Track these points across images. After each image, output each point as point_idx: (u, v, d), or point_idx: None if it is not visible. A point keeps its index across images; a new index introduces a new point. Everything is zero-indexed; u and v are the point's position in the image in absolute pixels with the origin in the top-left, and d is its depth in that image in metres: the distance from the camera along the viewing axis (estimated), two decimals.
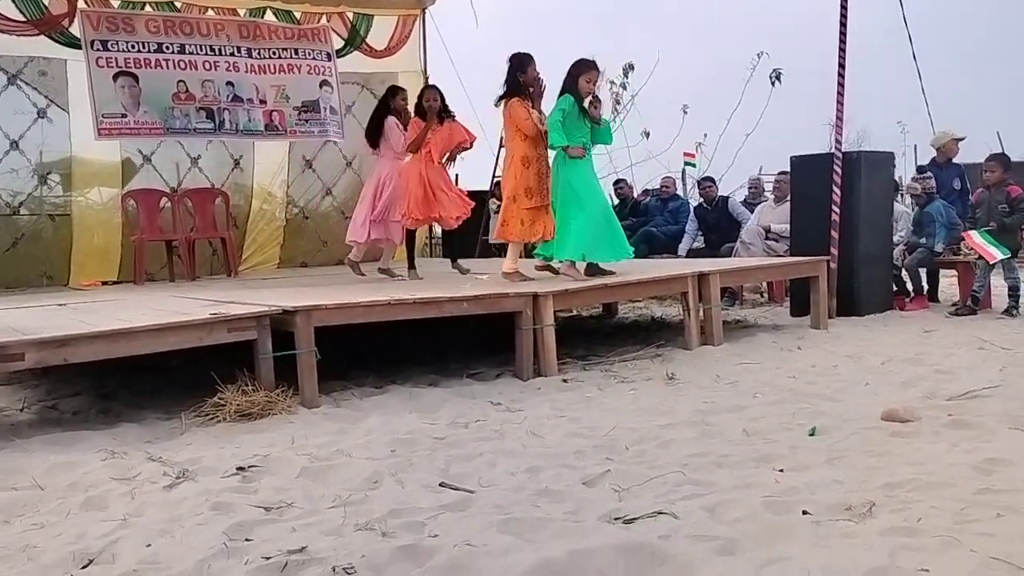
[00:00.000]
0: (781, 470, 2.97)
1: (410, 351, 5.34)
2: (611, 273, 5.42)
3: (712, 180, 9.09)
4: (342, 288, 5.56)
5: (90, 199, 8.26)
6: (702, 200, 8.88)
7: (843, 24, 6.64)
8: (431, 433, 3.59)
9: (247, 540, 2.43)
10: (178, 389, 4.43)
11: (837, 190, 6.43)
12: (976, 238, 6.29)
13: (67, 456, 3.29)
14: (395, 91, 6.73)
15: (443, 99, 6.33)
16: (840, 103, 6.63)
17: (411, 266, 6.37)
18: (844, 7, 6.63)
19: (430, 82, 9.74)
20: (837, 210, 6.43)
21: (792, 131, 15.65)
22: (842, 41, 6.62)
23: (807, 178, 6.73)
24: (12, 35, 7.74)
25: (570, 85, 5.38)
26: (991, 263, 6.24)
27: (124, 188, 8.31)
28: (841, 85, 6.65)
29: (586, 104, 5.39)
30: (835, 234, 6.43)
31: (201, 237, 8.38)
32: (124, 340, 3.67)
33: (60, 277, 8.03)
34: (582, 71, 5.39)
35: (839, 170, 6.45)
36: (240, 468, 3.09)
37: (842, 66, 6.62)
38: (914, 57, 7.89)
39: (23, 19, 7.78)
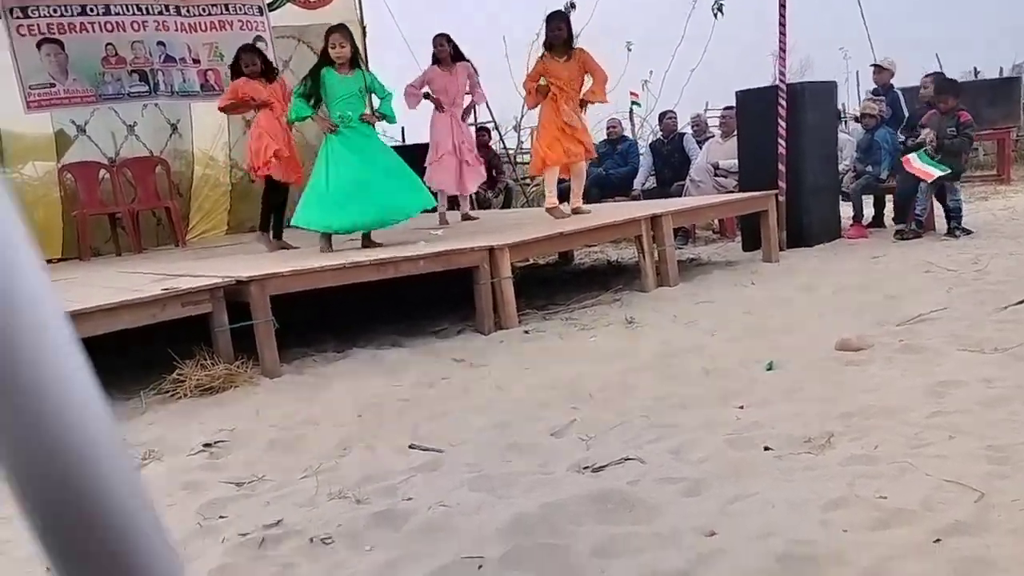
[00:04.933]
0: (741, 407, 3.06)
1: (372, 312, 5.31)
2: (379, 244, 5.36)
3: (674, 113, 9.08)
4: (295, 255, 5.49)
5: (25, 175, 7.96)
6: (660, 134, 8.90)
7: None
8: (397, 395, 3.61)
9: (221, 518, 2.43)
10: (135, 368, 4.35)
11: (782, 123, 6.49)
12: (915, 162, 6.41)
13: None
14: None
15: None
16: (782, 34, 6.64)
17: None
18: None
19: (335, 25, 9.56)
20: (783, 143, 6.49)
21: (737, 65, 15.68)
22: None
23: (752, 112, 6.77)
24: None
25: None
26: (930, 182, 6.37)
27: (60, 161, 8.04)
28: (783, 15, 6.65)
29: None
30: (782, 167, 6.50)
31: (144, 208, 8.16)
32: (78, 322, 3.56)
33: None
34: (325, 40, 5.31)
35: (784, 103, 6.49)
36: (207, 445, 3.08)
37: None
38: None
39: None
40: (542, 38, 6.45)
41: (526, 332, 4.67)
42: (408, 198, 5.30)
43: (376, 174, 5.24)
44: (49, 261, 7.67)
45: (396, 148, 10.67)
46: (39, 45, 7.75)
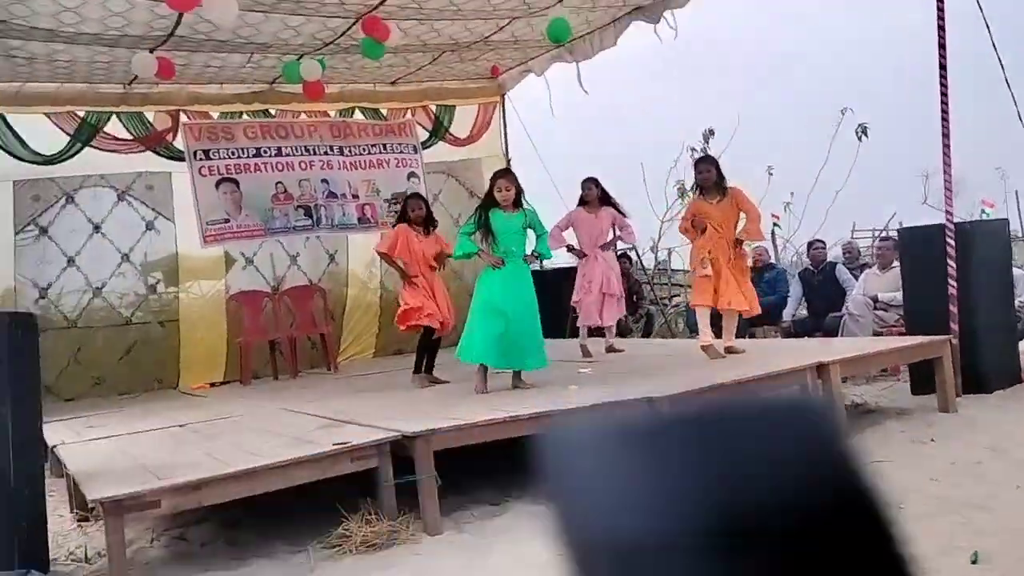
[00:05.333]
0: None
1: (523, 454, 5.25)
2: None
3: (822, 243, 8.86)
4: (449, 395, 5.57)
5: (192, 294, 8.54)
6: (809, 264, 8.67)
7: (943, 77, 6.32)
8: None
9: None
10: (300, 511, 4.44)
11: (952, 263, 6.15)
12: None
13: None
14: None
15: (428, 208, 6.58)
16: (947, 173, 6.38)
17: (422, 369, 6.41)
18: (943, 52, 6.31)
19: (509, 167, 9.94)
20: (954, 283, 6.14)
21: (883, 184, 15.25)
22: (943, 95, 6.31)
23: (917, 251, 6.46)
24: (120, 153, 8.18)
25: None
26: None
27: (224, 280, 8.60)
28: (947, 150, 6.39)
29: None
30: (954, 309, 6.13)
31: (302, 334, 8.56)
32: (254, 479, 3.72)
33: (170, 380, 8.30)
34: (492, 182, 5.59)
35: (952, 242, 6.17)
36: None
37: (945, 121, 6.32)
38: (1007, 83, 7.32)
39: (130, 137, 8.22)
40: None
41: None
42: (534, 356, 5.49)
43: (524, 320, 5.42)
44: (212, 384, 8.12)
45: (534, 272, 10.88)
46: (218, 184, 8.45)
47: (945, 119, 6.28)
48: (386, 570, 3.59)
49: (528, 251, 5.68)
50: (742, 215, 6.25)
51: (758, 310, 6.45)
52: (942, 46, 6.32)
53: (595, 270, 7.12)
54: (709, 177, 6.19)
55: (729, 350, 6.22)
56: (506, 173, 5.72)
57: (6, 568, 3.29)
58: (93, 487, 3.67)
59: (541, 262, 6.79)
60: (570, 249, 7.18)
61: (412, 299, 6.27)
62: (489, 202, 5.56)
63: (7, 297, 7.50)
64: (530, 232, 5.70)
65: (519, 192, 5.57)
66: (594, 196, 7.10)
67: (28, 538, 3.60)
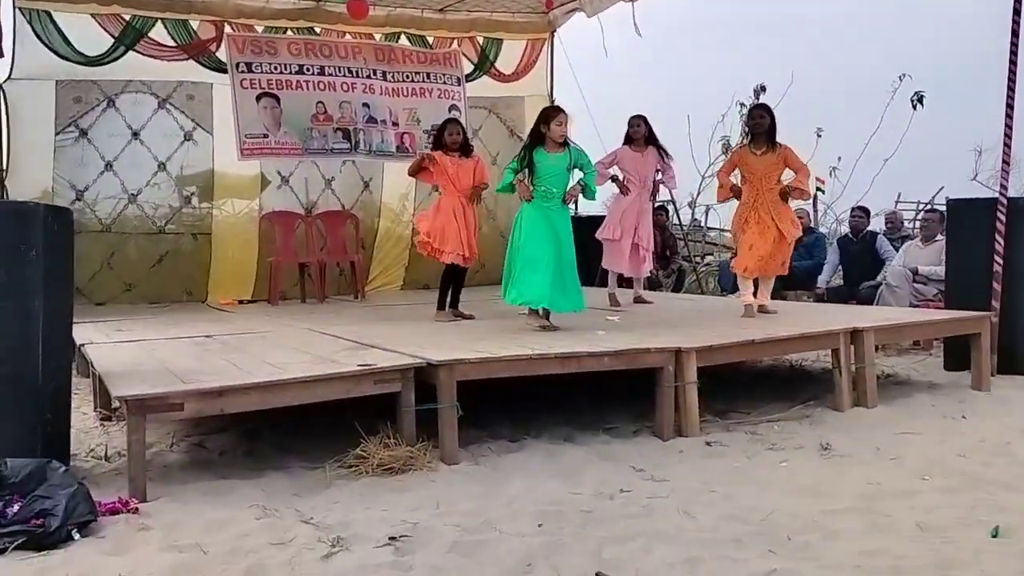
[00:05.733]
0: None
1: (544, 396, 5.24)
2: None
3: (865, 211, 8.63)
4: (475, 330, 5.55)
5: (225, 211, 8.54)
6: (848, 232, 8.48)
7: (1015, 44, 6.04)
8: (577, 504, 3.48)
9: None
10: (319, 430, 4.47)
11: (1000, 239, 5.97)
12: None
13: (222, 511, 3.35)
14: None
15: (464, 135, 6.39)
16: (1007, 145, 6.14)
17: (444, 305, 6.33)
18: (1016, 18, 6.02)
19: (554, 105, 9.73)
20: (1000, 260, 5.96)
21: (932, 157, 14.81)
22: (1012, 63, 6.05)
23: (965, 224, 6.27)
24: (163, 60, 8.12)
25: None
26: None
27: (259, 200, 8.59)
28: (1009, 123, 6.16)
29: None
30: (997, 286, 5.97)
31: (332, 260, 8.56)
32: (276, 392, 3.72)
33: (199, 293, 8.37)
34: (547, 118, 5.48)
35: (1003, 218, 5.98)
36: (392, 538, 3.06)
37: (1011, 91, 6.06)
38: None
39: (173, 44, 8.14)
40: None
41: (708, 444, 4.43)
42: (573, 298, 5.41)
43: (564, 261, 5.35)
44: (241, 302, 8.17)
45: (571, 218, 10.73)
46: (258, 98, 8.38)
47: (1012, 87, 6.03)
48: (401, 493, 3.60)
49: (574, 183, 5.58)
50: (787, 173, 6.09)
51: (785, 271, 6.32)
52: (1017, 11, 6.03)
53: (631, 212, 6.93)
54: (762, 124, 6.00)
55: (762, 309, 6.13)
56: (561, 110, 5.57)
57: (29, 456, 3.33)
58: (118, 385, 3.70)
59: (576, 203, 6.65)
60: (614, 180, 6.98)
61: (423, 225, 6.26)
62: (535, 140, 5.47)
63: (45, 197, 7.54)
64: (576, 173, 5.61)
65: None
66: (641, 134, 6.90)
67: (52, 430, 3.65)
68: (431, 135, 8.87)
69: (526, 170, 5.43)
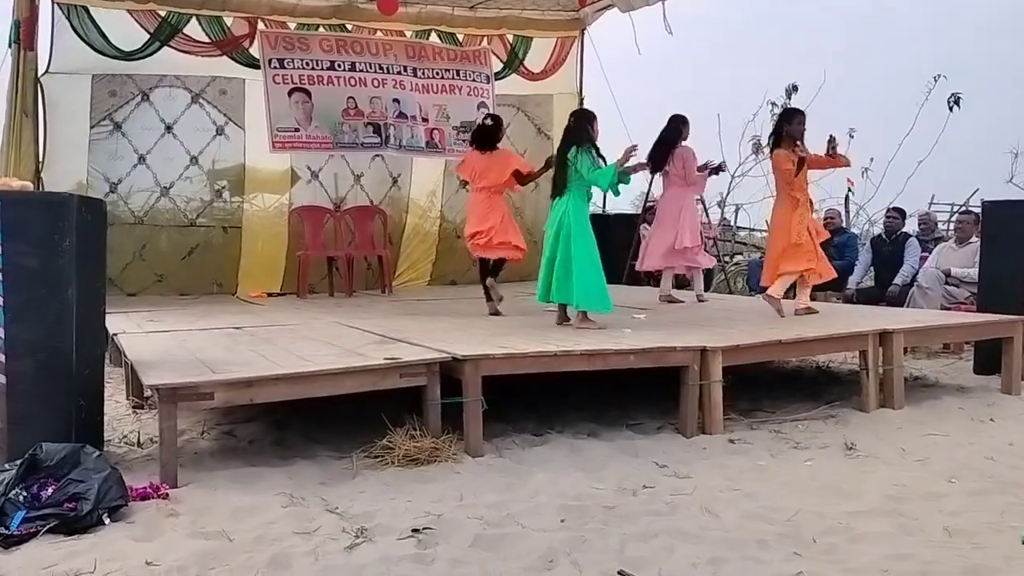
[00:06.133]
0: None
1: (569, 390, 5.25)
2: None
3: (900, 212, 8.53)
4: (501, 326, 5.56)
5: (256, 205, 8.64)
6: (883, 232, 8.39)
7: None
8: (600, 500, 3.48)
9: None
10: (346, 421, 4.52)
11: None
12: None
13: (250, 498, 3.39)
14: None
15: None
16: None
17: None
18: None
19: (584, 105, 9.72)
20: None
21: (965, 159, 14.57)
22: None
23: (1001, 226, 6.17)
24: (197, 56, 8.21)
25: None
26: None
27: (289, 195, 8.69)
28: None
29: None
30: None
31: (360, 254, 8.63)
32: (305, 383, 3.76)
33: (229, 286, 8.47)
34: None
35: None
36: (415, 530, 3.09)
37: None
38: None
39: (207, 40, 8.24)
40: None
41: (731, 442, 4.42)
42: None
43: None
44: (270, 294, 8.26)
45: (595, 216, 10.76)
46: (290, 93, 8.44)
47: None
48: (426, 483, 3.63)
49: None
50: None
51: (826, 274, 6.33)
52: None
53: (671, 214, 7.03)
54: (803, 130, 6.08)
55: (808, 310, 6.07)
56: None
57: (63, 442, 3.40)
58: (150, 374, 3.76)
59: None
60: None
61: (469, 215, 6.56)
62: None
63: (79, 190, 7.66)
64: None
65: None
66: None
67: (86, 417, 3.73)
68: (460, 132, 8.96)
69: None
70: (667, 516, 3.33)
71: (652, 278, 9.44)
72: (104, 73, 7.86)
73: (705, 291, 8.09)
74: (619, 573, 2.78)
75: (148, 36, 7.92)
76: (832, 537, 3.12)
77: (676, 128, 7.08)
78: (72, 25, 7.65)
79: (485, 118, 7.00)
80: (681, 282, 8.81)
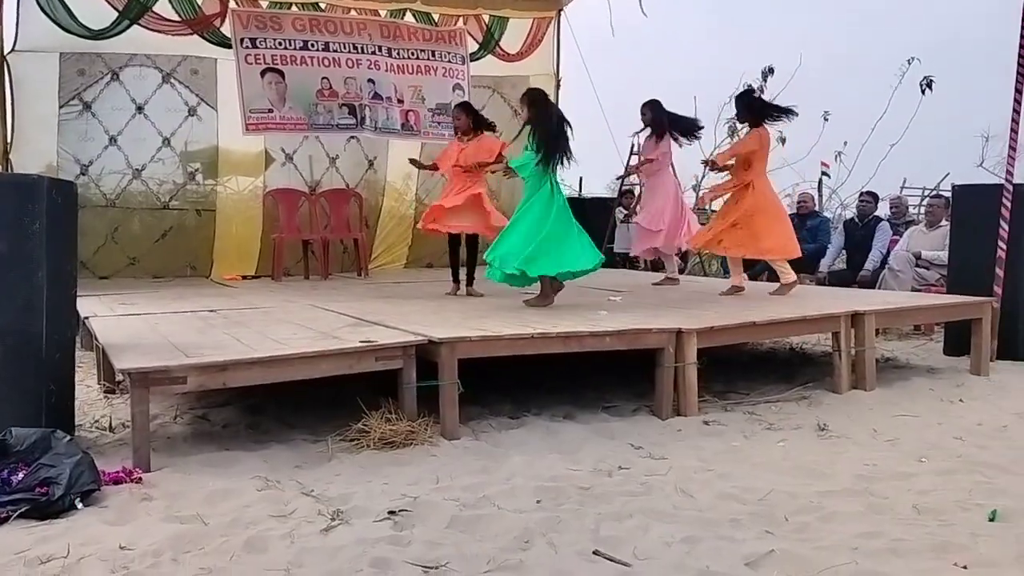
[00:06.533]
0: (965, 567, 2.74)
1: (544, 372, 5.26)
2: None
3: (874, 196, 8.63)
4: (477, 308, 5.55)
5: (229, 188, 8.56)
6: (855, 215, 8.47)
7: None
8: (575, 481, 3.50)
9: None
10: (321, 405, 4.50)
11: (1005, 225, 5.96)
12: None
13: (224, 482, 3.38)
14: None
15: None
16: (1015, 131, 6.11)
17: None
18: None
19: (560, 87, 9.72)
20: (1004, 247, 5.96)
21: (938, 143, 14.72)
22: (1021, 58, 6.05)
23: (970, 210, 6.26)
24: (167, 35, 8.08)
25: None
26: None
27: (263, 177, 8.61)
28: (1018, 103, 6.12)
29: None
30: (1000, 272, 5.97)
31: (335, 237, 8.58)
32: (279, 367, 3.74)
33: (203, 268, 8.39)
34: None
35: (1008, 204, 5.97)
36: (391, 512, 3.09)
37: (1021, 76, 6.03)
38: None
39: (178, 19, 8.11)
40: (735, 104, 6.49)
41: (706, 423, 4.46)
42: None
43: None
44: (244, 277, 8.19)
45: (571, 199, 10.76)
46: (263, 73, 8.33)
47: (1021, 73, 6.00)
48: (402, 466, 3.63)
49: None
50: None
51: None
52: None
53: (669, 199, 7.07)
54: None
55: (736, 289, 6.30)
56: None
57: (34, 427, 3.36)
58: (122, 358, 3.72)
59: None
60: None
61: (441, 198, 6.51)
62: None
63: (49, 172, 7.54)
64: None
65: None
66: (646, 122, 6.96)
67: (56, 401, 3.68)
68: (435, 114, 8.91)
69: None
70: (642, 496, 3.36)
71: (629, 262, 9.50)
72: (72, 51, 7.72)
73: (682, 273, 8.18)
74: (595, 553, 2.80)
75: (117, 14, 7.78)
76: (804, 516, 3.16)
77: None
78: (38, 2, 7.49)
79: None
80: (656, 264, 8.86)
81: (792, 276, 6.23)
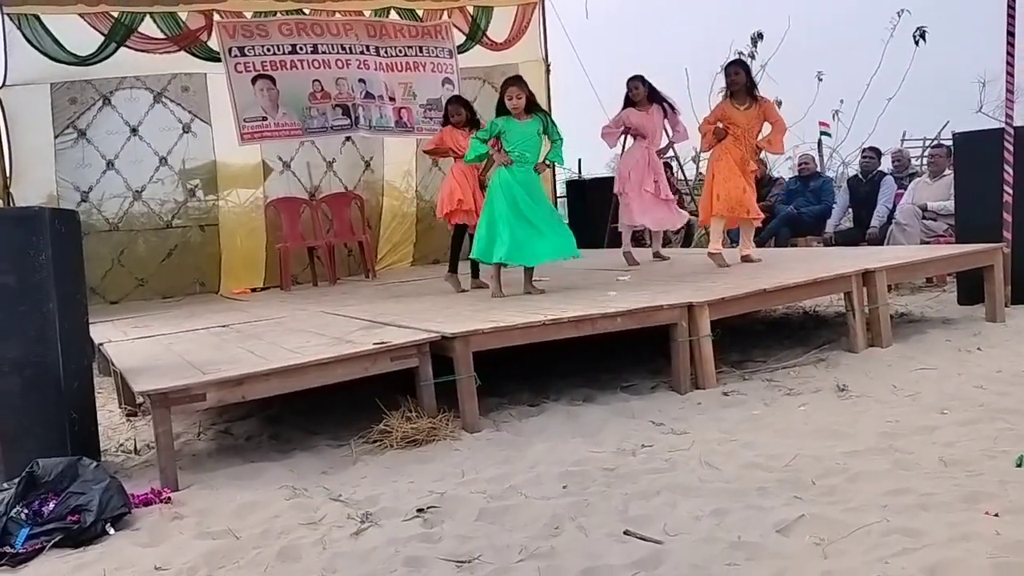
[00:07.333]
0: (996, 515, 2.73)
1: (560, 357, 5.27)
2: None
3: (876, 152, 8.57)
4: (486, 301, 5.56)
5: (230, 201, 8.59)
6: (859, 172, 8.43)
7: None
8: (600, 463, 3.51)
9: None
10: (341, 409, 4.53)
11: (1009, 169, 5.92)
12: None
13: (252, 494, 3.40)
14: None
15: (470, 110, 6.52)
16: (1010, 74, 6.06)
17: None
18: None
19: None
20: (1010, 191, 5.92)
21: (935, 92, 14.61)
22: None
23: (973, 156, 6.21)
24: (154, 53, 8.10)
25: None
26: None
27: (263, 188, 8.62)
28: (1011, 52, 6.07)
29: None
30: (1008, 217, 5.93)
31: (340, 241, 8.59)
32: (295, 375, 3.76)
33: (211, 284, 8.43)
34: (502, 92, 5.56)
35: (1010, 147, 5.92)
36: (420, 510, 3.10)
37: (1012, 18, 5.97)
38: None
39: (163, 37, 8.12)
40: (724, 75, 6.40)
41: (725, 394, 4.46)
42: (565, 242, 5.55)
43: (528, 218, 5.47)
44: (253, 290, 8.22)
45: (572, 182, 10.74)
46: (254, 80, 8.34)
47: (1012, 15, 5.94)
48: (426, 463, 3.65)
49: (541, 159, 5.67)
50: (765, 126, 6.14)
51: (759, 217, 6.55)
52: None
53: (640, 166, 6.93)
54: (738, 80, 6.13)
55: (746, 259, 6.19)
56: (516, 81, 5.66)
57: (60, 456, 3.39)
58: (140, 381, 3.75)
59: (553, 168, 6.74)
60: (626, 132, 7.08)
61: (444, 189, 6.44)
62: (500, 110, 5.56)
63: (51, 201, 7.60)
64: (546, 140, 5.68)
65: (531, 99, 5.56)
66: (642, 95, 6.87)
67: (79, 429, 3.71)
68: (427, 110, 8.89)
69: (503, 143, 5.53)
70: (667, 473, 3.37)
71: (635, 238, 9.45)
72: (62, 80, 7.75)
73: (688, 246, 8.13)
74: (625, 533, 2.81)
75: (103, 38, 7.81)
76: (831, 478, 3.16)
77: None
78: (24, 35, 7.52)
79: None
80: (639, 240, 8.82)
81: (714, 247, 6.23)
